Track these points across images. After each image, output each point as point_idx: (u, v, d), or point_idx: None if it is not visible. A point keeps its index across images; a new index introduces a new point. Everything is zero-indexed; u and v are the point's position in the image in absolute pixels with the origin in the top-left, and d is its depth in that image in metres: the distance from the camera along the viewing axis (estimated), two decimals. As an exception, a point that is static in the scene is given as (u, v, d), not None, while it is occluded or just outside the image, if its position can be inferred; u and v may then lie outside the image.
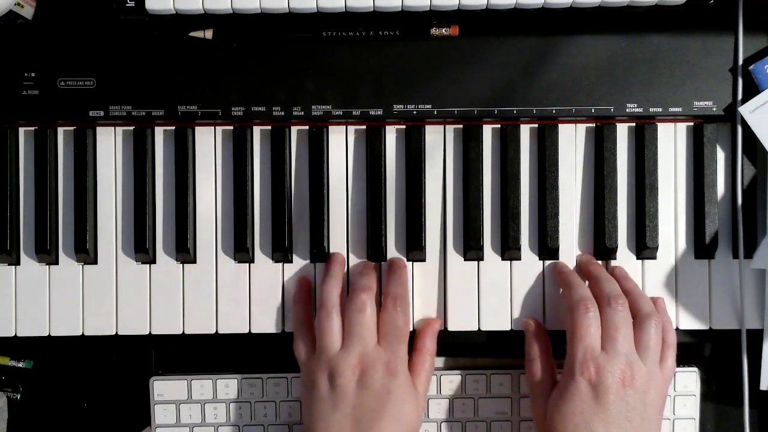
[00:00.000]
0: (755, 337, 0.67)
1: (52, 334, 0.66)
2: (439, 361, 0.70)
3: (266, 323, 0.67)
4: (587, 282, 0.65)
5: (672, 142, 0.67)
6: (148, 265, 0.67)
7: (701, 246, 0.66)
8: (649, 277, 0.67)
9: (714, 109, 0.66)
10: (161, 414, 0.68)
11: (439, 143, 0.67)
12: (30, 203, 0.67)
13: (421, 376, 0.64)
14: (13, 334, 0.66)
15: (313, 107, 0.65)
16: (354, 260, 0.67)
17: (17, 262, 0.67)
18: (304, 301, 0.66)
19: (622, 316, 0.61)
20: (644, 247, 0.66)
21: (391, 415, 0.60)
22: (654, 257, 0.67)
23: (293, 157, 0.67)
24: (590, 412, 0.59)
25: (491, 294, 0.67)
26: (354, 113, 0.66)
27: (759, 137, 0.65)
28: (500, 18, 0.66)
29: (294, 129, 0.67)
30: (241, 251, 0.66)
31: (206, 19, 0.65)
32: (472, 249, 0.66)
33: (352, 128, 0.67)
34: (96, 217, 0.67)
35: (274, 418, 0.68)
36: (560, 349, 0.65)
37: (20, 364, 0.71)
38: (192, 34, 0.65)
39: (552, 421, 0.60)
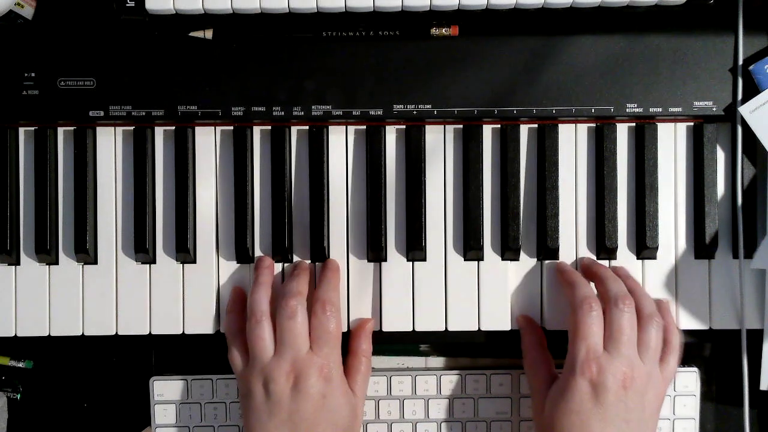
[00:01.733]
0: (755, 337, 0.67)
1: (52, 334, 0.66)
2: (439, 361, 0.70)
3: (266, 323, 0.67)
4: (591, 283, 0.65)
5: (672, 142, 0.67)
6: (148, 265, 0.67)
7: (701, 246, 0.66)
8: (649, 277, 0.67)
9: (714, 109, 0.66)
10: (161, 414, 0.68)
11: (439, 143, 0.67)
12: (30, 203, 0.67)
13: (357, 379, 0.64)
14: (13, 334, 0.66)
15: (313, 107, 0.65)
16: (354, 260, 0.67)
17: (17, 262, 0.67)
18: (237, 310, 0.65)
19: (627, 317, 0.60)
20: (644, 247, 0.66)
21: (327, 419, 0.60)
22: (654, 257, 0.67)
23: (293, 157, 0.67)
24: (589, 411, 0.59)
25: (491, 294, 0.67)
26: (354, 113, 0.66)
27: (759, 137, 0.65)
28: (500, 18, 0.66)
29: (294, 129, 0.67)
30: (242, 251, 0.66)
31: (206, 19, 0.65)
32: (472, 249, 0.66)
33: (352, 128, 0.67)
34: (96, 217, 0.67)
35: (274, 418, 0.68)
36: (561, 349, 0.65)
37: (20, 364, 0.71)
38: (192, 34, 0.65)
39: (550, 417, 0.60)
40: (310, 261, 0.67)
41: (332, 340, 0.62)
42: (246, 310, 0.64)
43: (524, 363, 0.65)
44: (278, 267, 0.67)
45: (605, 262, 0.67)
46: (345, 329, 0.67)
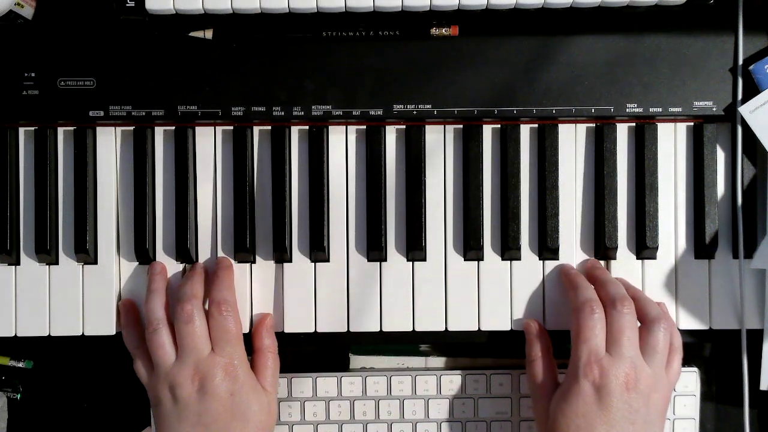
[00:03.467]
0: (755, 337, 0.67)
1: (52, 334, 0.66)
2: (439, 361, 0.70)
3: (266, 323, 0.67)
4: (593, 286, 0.65)
5: (672, 142, 0.67)
6: (147, 265, 0.67)
7: (701, 246, 0.66)
8: (649, 277, 0.67)
9: (714, 109, 0.66)
10: (161, 414, 0.68)
11: (439, 143, 0.67)
12: (30, 203, 0.67)
13: (266, 375, 0.64)
14: (13, 334, 0.66)
15: (313, 107, 0.65)
16: (354, 260, 0.67)
17: (17, 262, 0.67)
18: (132, 323, 0.65)
19: (627, 318, 0.60)
20: (644, 247, 0.66)
21: (237, 417, 0.61)
22: (654, 257, 0.67)
23: (293, 157, 0.67)
24: (593, 414, 0.59)
25: (491, 294, 0.67)
26: (354, 113, 0.66)
27: (759, 137, 0.65)
28: (500, 18, 0.66)
29: (294, 129, 0.67)
30: (241, 251, 0.66)
31: (206, 19, 0.65)
32: (472, 249, 0.66)
33: (352, 128, 0.67)
34: (96, 217, 0.67)
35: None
36: (561, 349, 0.65)
37: (20, 364, 0.71)
38: (192, 34, 0.65)
39: (554, 422, 0.60)
40: (200, 262, 0.67)
41: (233, 338, 0.62)
42: (138, 322, 0.65)
43: (528, 369, 0.65)
44: (278, 268, 0.67)
45: (605, 262, 0.67)
46: (345, 329, 0.67)
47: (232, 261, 0.67)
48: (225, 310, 0.62)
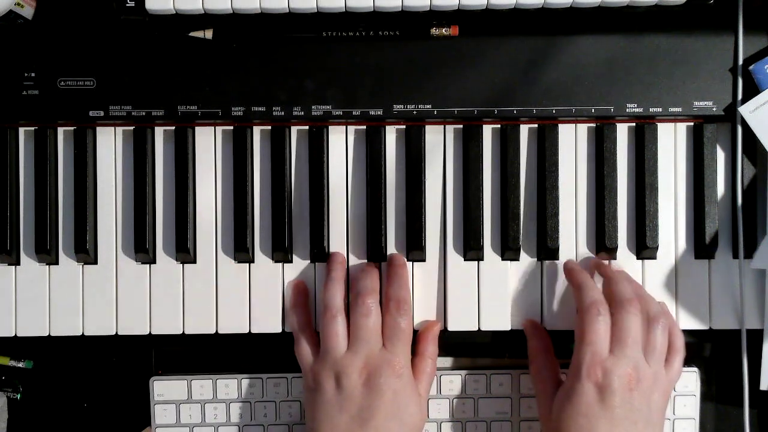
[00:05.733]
0: (755, 337, 0.67)
1: (52, 334, 0.66)
2: (440, 361, 0.70)
3: (266, 323, 0.67)
4: (599, 283, 0.65)
5: (672, 142, 0.67)
6: (148, 265, 0.67)
7: (701, 246, 0.66)
8: (649, 277, 0.67)
9: (714, 109, 0.66)
10: (161, 414, 0.68)
11: (439, 143, 0.67)
12: (30, 203, 0.67)
13: (424, 380, 0.64)
14: (13, 334, 0.66)
15: (313, 107, 0.65)
16: (354, 260, 0.67)
17: (17, 262, 0.67)
18: (302, 304, 0.66)
19: (635, 319, 0.60)
20: (644, 247, 0.66)
21: (397, 416, 0.61)
22: (654, 257, 0.67)
23: (293, 157, 0.67)
24: (595, 414, 0.59)
25: (491, 294, 0.67)
26: (354, 113, 0.66)
27: (759, 137, 0.65)
28: (500, 18, 0.66)
29: (294, 129, 0.67)
30: (241, 251, 0.66)
31: (206, 19, 0.65)
32: (472, 249, 0.66)
33: (352, 128, 0.67)
34: (96, 217, 0.67)
35: (274, 418, 0.68)
36: (562, 349, 0.65)
37: (20, 364, 0.71)
38: (192, 34, 0.65)
39: (557, 421, 0.60)
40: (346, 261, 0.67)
41: (404, 337, 0.63)
42: (308, 304, 0.66)
43: (531, 368, 0.65)
44: (278, 267, 0.67)
45: (605, 263, 0.67)
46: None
47: (232, 260, 0.67)
48: (403, 308, 0.63)
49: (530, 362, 0.65)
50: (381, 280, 0.66)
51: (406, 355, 0.63)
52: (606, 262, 0.67)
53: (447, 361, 0.70)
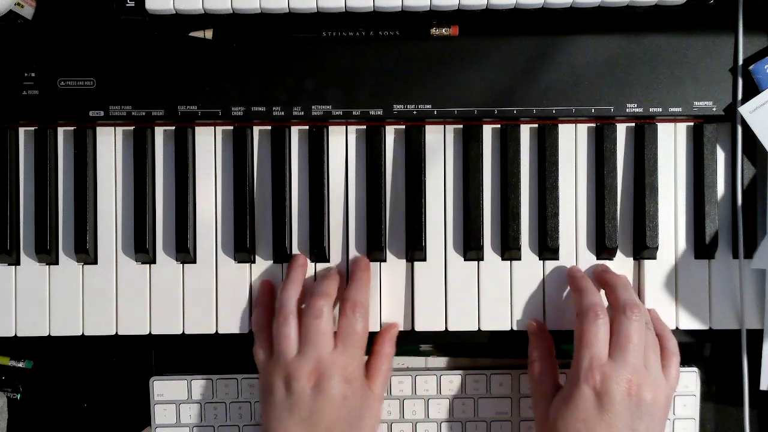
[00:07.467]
0: (755, 337, 0.67)
1: (52, 334, 0.66)
2: (440, 362, 0.70)
3: (266, 323, 0.67)
4: (602, 290, 0.65)
5: (672, 142, 0.67)
6: (148, 265, 0.67)
7: (701, 246, 0.66)
8: (649, 277, 0.67)
9: (714, 109, 0.66)
10: (161, 414, 0.68)
11: (439, 143, 0.67)
12: (30, 203, 0.67)
13: (378, 380, 0.64)
14: (13, 334, 0.66)
15: (313, 107, 0.65)
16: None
17: (17, 262, 0.67)
18: (265, 304, 0.66)
19: (636, 326, 0.60)
20: (644, 247, 0.66)
21: (346, 421, 0.61)
22: (654, 257, 0.67)
23: (293, 157, 0.67)
24: (593, 419, 0.58)
25: (491, 294, 0.67)
26: (354, 113, 0.66)
27: (759, 137, 0.65)
28: (500, 18, 0.66)
29: (294, 129, 0.67)
30: (241, 251, 0.66)
31: (206, 19, 0.65)
32: (472, 249, 0.66)
33: (352, 128, 0.67)
34: (96, 217, 0.67)
35: (274, 418, 0.68)
36: (561, 349, 0.65)
37: (20, 364, 0.71)
38: (192, 34, 0.65)
39: (554, 426, 0.60)
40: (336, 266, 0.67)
41: (358, 341, 0.62)
42: (270, 305, 0.65)
43: (530, 369, 0.65)
44: (278, 267, 0.67)
45: (605, 262, 0.67)
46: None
47: (232, 260, 0.67)
48: (358, 312, 0.62)
49: (530, 363, 0.65)
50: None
51: (359, 358, 0.63)
52: (609, 269, 0.67)
53: (447, 361, 0.70)
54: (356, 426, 0.61)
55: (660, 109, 0.66)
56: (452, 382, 0.68)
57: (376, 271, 0.67)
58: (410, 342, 0.69)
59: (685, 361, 0.66)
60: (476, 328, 0.67)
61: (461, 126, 0.67)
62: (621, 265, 0.67)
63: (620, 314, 0.61)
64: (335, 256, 0.67)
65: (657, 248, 0.66)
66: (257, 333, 0.65)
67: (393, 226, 0.67)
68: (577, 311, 0.62)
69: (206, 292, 0.67)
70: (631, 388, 0.58)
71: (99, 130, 0.67)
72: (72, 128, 0.67)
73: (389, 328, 0.66)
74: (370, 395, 0.63)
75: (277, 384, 0.61)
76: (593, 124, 0.67)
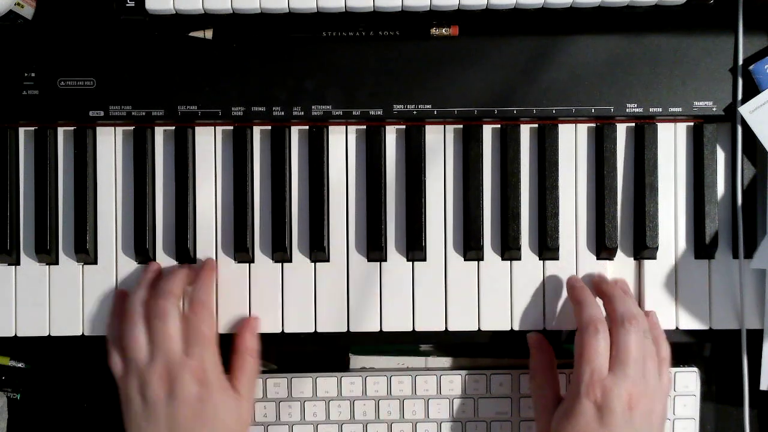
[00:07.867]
0: (755, 337, 0.67)
1: (52, 334, 0.66)
2: (439, 361, 0.70)
3: (266, 323, 0.67)
4: (601, 301, 0.65)
5: (672, 143, 0.67)
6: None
7: (701, 246, 0.66)
8: (649, 277, 0.67)
9: (714, 109, 0.66)
10: (161, 414, 0.68)
11: (439, 143, 0.67)
12: (30, 203, 0.67)
13: (242, 378, 0.62)
14: (13, 334, 0.66)
15: (313, 107, 0.65)
16: (354, 260, 0.67)
17: (17, 262, 0.67)
18: (118, 313, 0.63)
19: (634, 338, 0.60)
20: (644, 247, 0.66)
21: (207, 424, 0.59)
22: (654, 257, 0.67)
23: (293, 157, 0.67)
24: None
25: (491, 294, 0.67)
26: (354, 113, 0.66)
27: (759, 137, 0.65)
28: (500, 18, 0.66)
29: (294, 129, 0.67)
30: (241, 251, 0.66)
31: (206, 19, 0.65)
32: (472, 249, 0.66)
33: (352, 128, 0.67)
34: (96, 217, 0.67)
35: (274, 417, 0.68)
36: (561, 350, 0.65)
37: (20, 364, 0.71)
38: (192, 34, 0.65)
39: None
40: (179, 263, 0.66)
41: (204, 341, 0.60)
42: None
43: (531, 383, 0.65)
44: (278, 267, 0.67)
45: (605, 262, 0.67)
46: (345, 329, 0.67)
47: (232, 260, 0.67)
48: (199, 311, 0.61)
49: (531, 377, 0.65)
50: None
51: (210, 359, 0.60)
52: (607, 277, 0.66)
53: (447, 361, 0.70)
54: (218, 429, 0.59)
55: (660, 109, 0.66)
56: (452, 382, 0.68)
57: (376, 271, 0.67)
58: (410, 342, 0.69)
59: (685, 361, 0.66)
60: (476, 328, 0.67)
61: (461, 126, 0.67)
62: (621, 265, 0.67)
63: (619, 327, 0.60)
64: (335, 257, 0.67)
65: (657, 248, 0.66)
66: (111, 343, 0.62)
67: (393, 226, 0.67)
68: (577, 324, 0.62)
69: (206, 292, 0.67)
70: (632, 400, 0.58)
71: (99, 130, 0.67)
72: (72, 128, 0.67)
73: (247, 322, 0.65)
74: (233, 396, 0.61)
75: (133, 395, 0.59)
76: (593, 124, 0.67)
